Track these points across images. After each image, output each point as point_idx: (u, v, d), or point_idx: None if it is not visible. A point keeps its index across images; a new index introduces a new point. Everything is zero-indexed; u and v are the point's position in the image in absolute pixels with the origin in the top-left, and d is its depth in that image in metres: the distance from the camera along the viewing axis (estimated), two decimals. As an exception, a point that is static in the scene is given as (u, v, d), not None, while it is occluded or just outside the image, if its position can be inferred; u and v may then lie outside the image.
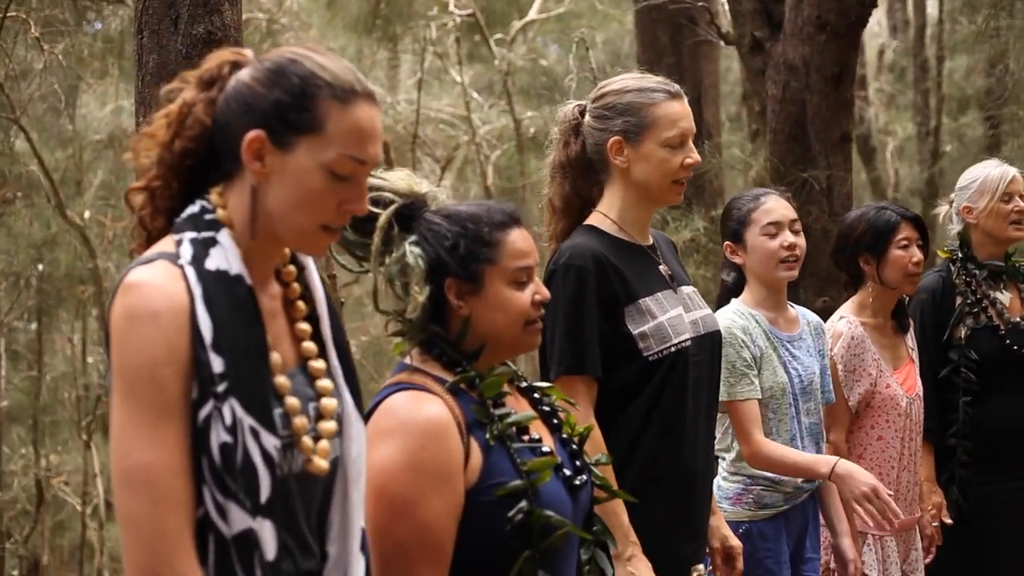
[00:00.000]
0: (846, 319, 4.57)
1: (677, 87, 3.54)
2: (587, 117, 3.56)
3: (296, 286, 2.30)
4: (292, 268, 2.31)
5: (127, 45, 13.21)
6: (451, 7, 13.00)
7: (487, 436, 2.60)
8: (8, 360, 15.68)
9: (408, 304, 2.67)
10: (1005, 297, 4.93)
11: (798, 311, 4.38)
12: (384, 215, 2.67)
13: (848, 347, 4.48)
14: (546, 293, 2.75)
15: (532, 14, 13.07)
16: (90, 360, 15.31)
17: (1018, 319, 4.91)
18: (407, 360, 2.72)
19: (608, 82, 3.59)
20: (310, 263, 2.35)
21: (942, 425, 4.85)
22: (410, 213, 2.70)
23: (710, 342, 3.56)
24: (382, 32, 14.01)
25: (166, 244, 2.14)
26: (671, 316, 3.45)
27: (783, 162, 6.77)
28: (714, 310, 3.88)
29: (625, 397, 3.41)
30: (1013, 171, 4.96)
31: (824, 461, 4.00)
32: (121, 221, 12.91)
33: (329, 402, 2.24)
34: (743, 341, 4.10)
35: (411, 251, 2.66)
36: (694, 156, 3.48)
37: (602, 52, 14.47)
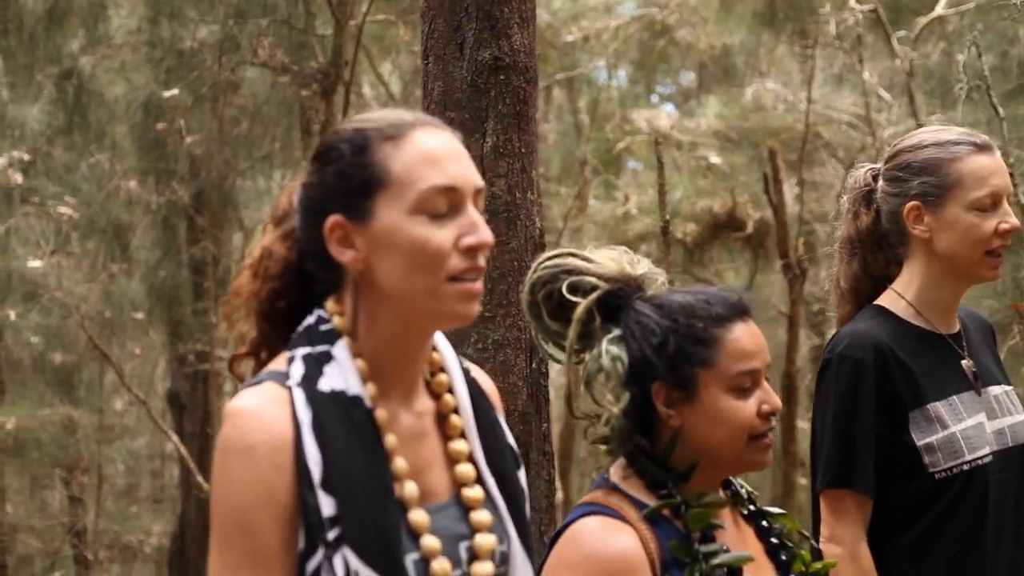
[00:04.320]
0: None
1: (985, 138, 2.95)
2: (880, 181, 3.02)
3: (449, 398, 1.98)
4: (444, 378, 1.99)
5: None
6: (851, 2, 12.36)
7: (683, 579, 2.16)
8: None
9: (604, 411, 2.26)
10: None
11: None
12: (582, 306, 2.27)
13: None
14: (776, 402, 2.28)
15: (939, 9, 12.19)
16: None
17: None
18: (607, 473, 2.30)
19: (903, 138, 3.05)
20: (456, 369, 2.00)
21: None
22: (617, 302, 2.28)
23: (1020, 457, 2.93)
24: (779, 27, 13.49)
25: (279, 362, 1.92)
26: (967, 426, 2.87)
27: None
28: None
29: (905, 519, 2.87)
30: None
31: None
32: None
33: (485, 539, 1.90)
34: None
35: (608, 350, 2.25)
36: (1011, 220, 2.90)
37: (1024, 50, 13.29)
